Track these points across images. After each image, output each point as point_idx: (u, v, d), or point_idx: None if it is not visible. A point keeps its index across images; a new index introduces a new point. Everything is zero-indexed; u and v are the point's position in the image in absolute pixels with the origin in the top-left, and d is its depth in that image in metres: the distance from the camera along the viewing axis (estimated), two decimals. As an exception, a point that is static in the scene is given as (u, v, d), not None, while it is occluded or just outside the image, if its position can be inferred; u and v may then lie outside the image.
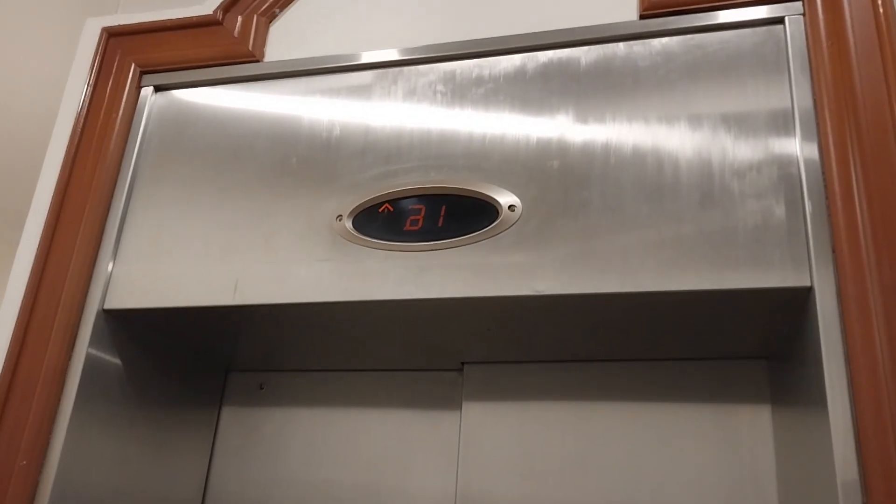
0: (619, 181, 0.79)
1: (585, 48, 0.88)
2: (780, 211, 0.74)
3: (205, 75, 1.01)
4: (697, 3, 0.85)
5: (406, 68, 0.93)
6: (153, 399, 0.99)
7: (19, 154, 2.37)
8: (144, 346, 0.97)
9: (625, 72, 0.85)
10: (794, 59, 0.80)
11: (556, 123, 0.84)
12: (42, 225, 0.96)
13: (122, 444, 0.93)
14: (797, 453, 0.80)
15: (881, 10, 0.79)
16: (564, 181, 0.81)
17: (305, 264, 0.85)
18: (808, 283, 0.71)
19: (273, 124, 0.95)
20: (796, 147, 0.77)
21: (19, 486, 0.82)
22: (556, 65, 0.88)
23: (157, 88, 1.03)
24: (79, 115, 1.01)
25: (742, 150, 0.78)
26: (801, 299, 0.73)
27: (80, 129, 1.00)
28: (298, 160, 0.91)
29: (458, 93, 0.90)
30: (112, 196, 0.96)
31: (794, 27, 0.82)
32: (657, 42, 0.86)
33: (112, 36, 1.07)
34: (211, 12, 1.04)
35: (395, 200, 0.85)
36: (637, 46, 0.86)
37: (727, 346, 0.91)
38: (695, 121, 0.80)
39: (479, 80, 0.90)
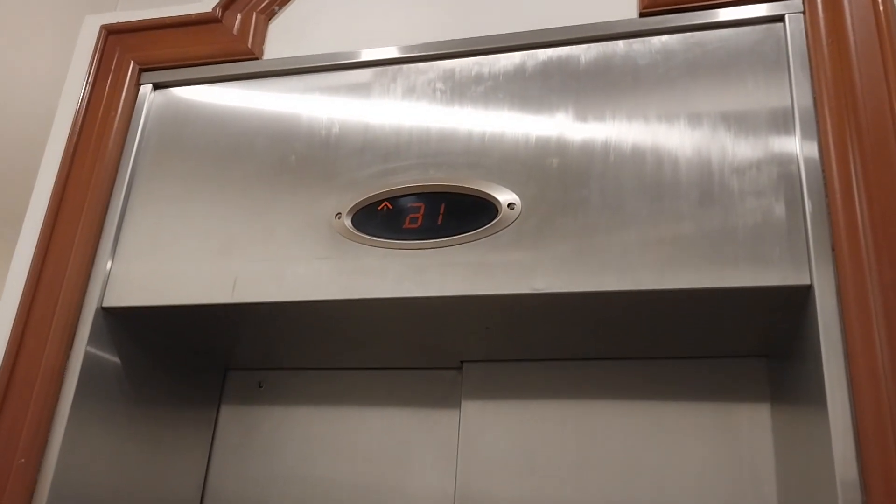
0: (618, 179, 0.79)
1: (585, 46, 0.87)
2: (779, 209, 0.74)
3: (204, 73, 1.01)
4: (697, 1, 0.85)
5: (405, 66, 0.93)
6: (152, 397, 0.99)
7: (18, 152, 2.37)
8: (143, 345, 0.97)
9: (624, 70, 0.85)
10: (794, 57, 0.80)
11: (556, 121, 0.84)
12: (41, 223, 0.96)
13: (120, 442, 0.93)
14: (797, 451, 0.80)
15: (881, 8, 0.79)
16: (564, 179, 0.81)
17: (304, 262, 0.85)
18: (808, 282, 0.71)
19: (272, 122, 0.94)
20: (796, 145, 0.77)
21: (18, 484, 0.82)
22: (555, 63, 0.88)
23: (156, 86, 1.03)
24: (77, 112, 1.01)
25: (742, 148, 0.78)
26: (800, 297, 0.73)
27: (78, 127, 1.00)
28: (297, 158, 0.91)
29: (458, 91, 0.89)
30: (111, 194, 0.96)
31: (794, 25, 0.82)
32: (657, 40, 0.85)
33: (111, 33, 1.07)
34: (210, 10, 1.04)
35: (394, 198, 0.85)
36: (637, 44, 0.86)
37: (727, 344, 0.91)
38: (694, 119, 0.80)
39: (478, 78, 0.90)
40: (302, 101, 0.95)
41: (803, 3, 0.83)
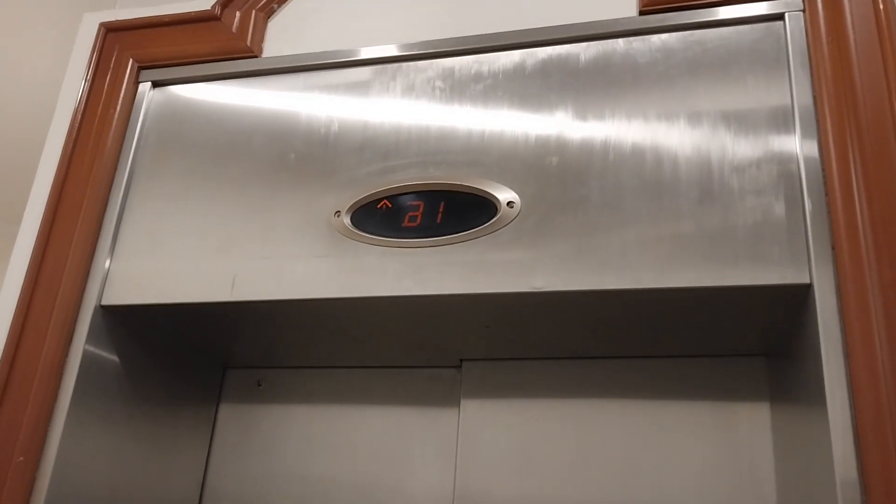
0: (618, 178, 0.79)
1: (584, 44, 0.87)
2: (779, 208, 0.74)
3: (203, 71, 1.01)
4: (697, -1, 0.85)
5: (405, 64, 0.93)
6: (151, 395, 0.99)
7: (17, 149, 2.36)
8: (142, 343, 0.97)
9: (624, 68, 0.85)
10: (794, 56, 0.80)
11: (555, 120, 0.84)
12: (39, 221, 0.95)
13: (119, 440, 0.93)
14: (796, 450, 0.80)
15: (881, 7, 0.79)
16: (563, 178, 0.81)
17: (303, 260, 0.85)
18: (808, 280, 0.71)
19: (271, 120, 0.94)
20: (796, 144, 0.76)
21: (16, 483, 0.82)
22: (555, 61, 0.87)
23: (155, 84, 1.02)
24: (76, 110, 1.01)
25: (742, 146, 0.78)
26: (800, 296, 0.73)
27: (77, 125, 1.00)
28: (296, 156, 0.91)
29: (457, 89, 0.89)
30: (110, 192, 0.96)
31: (794, 23, 0.82)
32: (657, 38, 0.85)
33: (110, 31, 1.07)
34: (209, 7, 1.04)
35: (393, 196, 0.85)
36: (636, 43, 0.86)
37: (726, 342, 0.91)
38: (694, 117, 0.80)
39: (477, 77, 0.89)
40: (301, 99, 0.95)
41: (803, 1, 0.83)
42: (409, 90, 0.91)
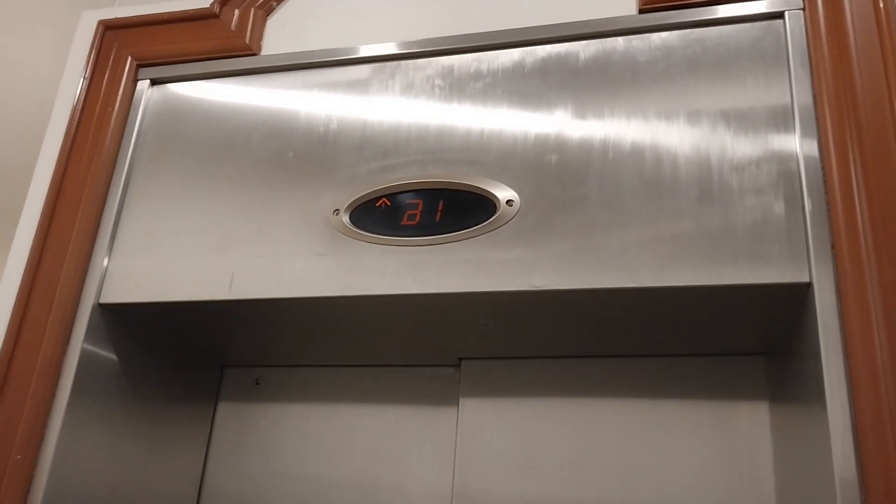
0: (617, 176, 0.79)
1: (584, 43, 0.87)
2: (779, 207, 0.74)
3: (201, 69, 1.00)
4: (697, -2, 0.85)
5: (404, 62, 0.93)
6: (149, 394, 0.99)
7: (15, 148, 2.36)
8: (140, 341, 0.97)
9: (623, 67, 0.85)
10: (794, 55, 0.80)
11: (555, 118, 0.84)
12: (37, 219, 0.95)
13: (117, 438, 0.93)
14: (795, 450, 0.80)
15: (881, 6, 0.78)
16: (563, 176, 0.81)
17: (302, 258, 0.85)
18: (807, 279, 0.71)
19: (270, 118, 0.94)
20: (796, 143, 0.76)
21: (14, 481, 0.82)
22: (554, 59, 0.87)
23: (154, 82, 1.02)
24: (75, 108, 1.01)
25: (741, 145, 0.78)
26: (799, 295, 0.73)
27: (75, 123, 1.00)
28: (295, 154, 0.91)
29: (456, 87, 0.89)
30: (108, 190, 0.96)
31: (793, 22, 0.82)
32: (656, 37, 0.85)
33: (108, 29, 1.06)
34: (208, 5, 1.04)
35: (392, 195, 0.85)
36: (636, 41, 0.86)
37: (726, 342, 0.91)
38: (694, 116, 0.80)
39: (477, 75, 0.89)
40: (300, 97, 0.94)
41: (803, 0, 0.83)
42: (409, 88, 0.91)
